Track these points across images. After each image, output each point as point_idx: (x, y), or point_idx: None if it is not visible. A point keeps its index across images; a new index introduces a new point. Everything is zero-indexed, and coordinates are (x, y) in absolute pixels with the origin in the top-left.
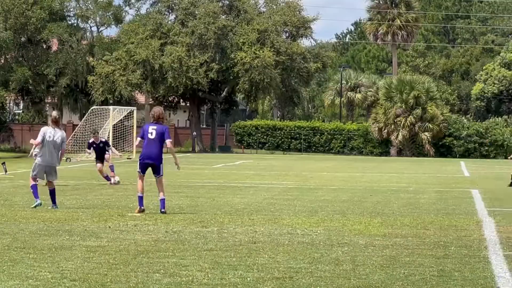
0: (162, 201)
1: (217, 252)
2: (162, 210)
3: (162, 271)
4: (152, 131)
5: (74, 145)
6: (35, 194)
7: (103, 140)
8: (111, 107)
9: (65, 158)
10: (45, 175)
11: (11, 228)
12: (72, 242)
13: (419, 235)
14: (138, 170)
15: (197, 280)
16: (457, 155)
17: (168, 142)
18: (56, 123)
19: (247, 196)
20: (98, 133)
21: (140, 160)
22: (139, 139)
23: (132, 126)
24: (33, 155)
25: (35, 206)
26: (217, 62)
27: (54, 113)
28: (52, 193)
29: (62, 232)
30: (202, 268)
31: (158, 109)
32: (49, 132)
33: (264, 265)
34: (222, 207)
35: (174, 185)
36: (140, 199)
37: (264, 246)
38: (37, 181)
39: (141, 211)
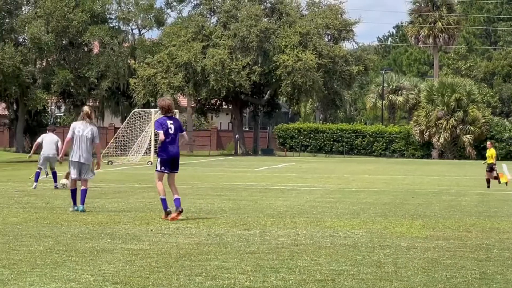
0: (178, 200)
1: (259, 255)
2: (180, 208)
3: (204, 274)
4: (171, 126)
5: (115, 148)
6: (74, 200)
7: None
8: (152, 110)
9: (106, 161)
10: (79, 173)
11: (53, 231)
12: (114, 245)
13: (461, 238)
14: (160, 169)
15: (239, 283)
16: (499, 158)
17: (185, 134)
18: (89, 117)
19: (289, 199)
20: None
21: (163, 157)
22: (162, 133)
23: None
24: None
25: (72, 211)
26: (259, 64)
27: (86, 108)
28: (83, 193)
29: (104, 235)
30: (244, 271)
31: (167, 100)
32: (78, 127)
33: (306, 268)
34: (265, 210)
35: (217, 188)
36: (164, 201)
37: (306, 249)
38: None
39: (168, 213)
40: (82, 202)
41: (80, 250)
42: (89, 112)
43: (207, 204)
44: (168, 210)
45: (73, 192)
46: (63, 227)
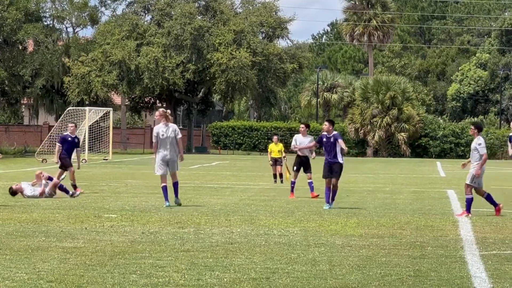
0: None
1: (193, 253)
2: None
3: (138, 272)
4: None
5: (49, 146)
6: (165, 196)
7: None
8: (87, 108)
9: (40, 159)
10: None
11: None
12: (49, 243)
13: (395, 235)
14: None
15: (173, 281)
16: (433, 156)
17: None
18: (166, 118)
19: (223, 197)
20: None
21: None
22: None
23: (108, 127)
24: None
25: (166, 206)
26: (193, 62)
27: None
28: (175, 186)
29: (39, 233)
30: (179, 269)
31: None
32: (161, 130)
33: (241, 266)
34: (199, 208)
35: (151, 186)
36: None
37: (240, 247)
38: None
39: None
40: (176, 195)
41: (15, 248)
42: (166, 113)
43: (141, 202)
44: None
45: (164, 188)
46: None
